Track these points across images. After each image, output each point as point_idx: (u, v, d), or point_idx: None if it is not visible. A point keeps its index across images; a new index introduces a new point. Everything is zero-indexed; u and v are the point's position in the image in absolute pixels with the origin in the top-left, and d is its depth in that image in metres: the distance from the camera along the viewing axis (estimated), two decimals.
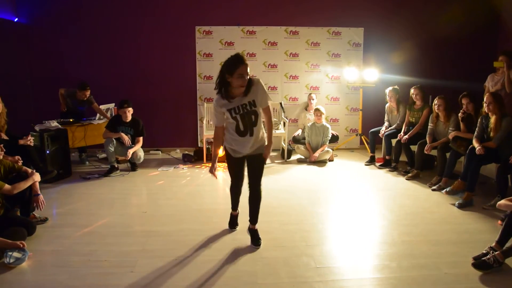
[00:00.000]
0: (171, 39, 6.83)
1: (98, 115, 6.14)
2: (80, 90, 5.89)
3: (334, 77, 7.15)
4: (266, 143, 3.15)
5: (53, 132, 5.20)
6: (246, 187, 3.29)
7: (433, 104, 5.07)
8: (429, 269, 2.84)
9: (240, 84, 2.81)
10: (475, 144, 4.28)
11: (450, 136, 4.74)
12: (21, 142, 4.55)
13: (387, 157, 5.91)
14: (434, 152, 5.07)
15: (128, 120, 5.58)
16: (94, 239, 3.37)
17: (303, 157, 6.34)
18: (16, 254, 2.87)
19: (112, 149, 5.45)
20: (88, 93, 5.95)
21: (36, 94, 6.70)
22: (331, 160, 6.31)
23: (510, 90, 4.68)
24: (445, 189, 4.61)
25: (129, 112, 5.55)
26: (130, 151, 5.46)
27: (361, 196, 4.62)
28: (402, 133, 5.57)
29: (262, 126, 3.11)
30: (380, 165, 5.93)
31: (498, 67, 4.91)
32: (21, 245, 2.93)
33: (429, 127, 5.17)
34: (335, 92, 7.21)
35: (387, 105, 6.09)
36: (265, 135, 3.17)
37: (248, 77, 2.83)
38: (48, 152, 5.03)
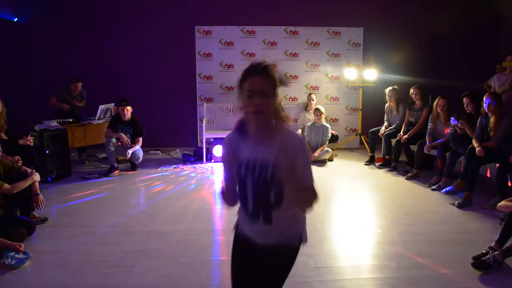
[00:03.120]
0: (171, 39, 6.83)
1: (97, 115, 6.14)
2: (72, 83, 6.01)
3: (334, 77, 7.15)
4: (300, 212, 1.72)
5: (53, 132, 5.20)
6: None
7: (435, 104, 5.06)
8: (429, 269, 2.84)
9: (249, 109, 1.54)
10: (475, 144, 4.28)
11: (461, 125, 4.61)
12: (21, 142, 4.54)
13: (386, 157, 5.91)
14: (433, 152, 5.07)
15: (126, 119, 5.59)
16: (94, 239, 3.37)
17: None
18: (17, 256, 2.86)
19: (113, 149, 5.45)
20: (79, 85, 6.07)
21: (36, 94, 6.69)
22: (330, 159, 6.31)
23: None
24: (444, 189, 4.61)
25: (128, 111, 5.56)
26: (130, 151, 5.47)
27: (360, 196, 4.62)
28: (401, 132, 5.57)
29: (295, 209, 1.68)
30: (379, 165, 5.93)
31: (506, 66, 4.93)
32: (21, 249, 2.91)
33: (428, 127, 5.17)
34: (334, 92, 7.21)
35: (386, 104, 6.09)
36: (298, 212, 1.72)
37: (266, 100, 1.52)
38: (47, 152, 5.03)
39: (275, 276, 1.69)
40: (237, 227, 1.79)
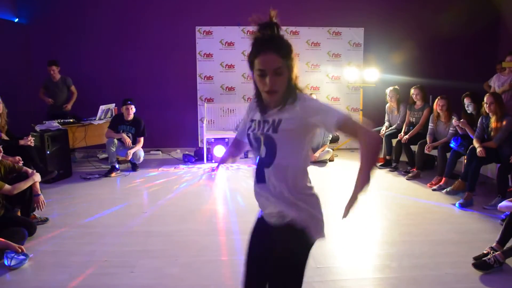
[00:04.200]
0: (171, 39, 6.83)
1: (98, 115, 6.14)
2: (48, 66, 5.93)
3: (335, 77, 7.15)
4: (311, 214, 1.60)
5: (54, 133, 5.20)
6: None
7: (435, 104, 5.06)
8: (430, 269, 2.84)
9: (262, 88, 1.49)
10: (476, 144, 4.28)
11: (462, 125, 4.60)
12: (22, 142, 4.55)
13: (387, 157, 5.90)
14: (434, 152, 5.06)
15: (129, 118, 5.60)
16: (94, 239, 3.37)
17: None
18: (17, 257, 2.86)
19: (114, 150, 5.45)
20: (54, 68, 5.96)
21: (37, 94, 6.69)
22: (331, 160, 6.31)
23: None
24: (445, 189, 4.61)
25: (131, 109, 5.58)
26: (130, 152, 5.48)
27: (361, 196, 4.60)
28: (402, 133, 5.56)
29: (297, 180, 1.58)
30: (380, 165, 5.92)
31: (506, 67, 4.93)
32: (20, 250, 2.91)
33: (429, 127, 5.17)
34: (335, 92, 7.21)
35: (387, 105, 6.08)
36: (307, 196, 1.62)
37: (280, 78, 1.46)
38: (48, 152, 5.03)
39: (280, 263, 1.54)
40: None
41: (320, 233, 1.59)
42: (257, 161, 1.60)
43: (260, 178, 1.58)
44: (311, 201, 1.61)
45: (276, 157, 1.52)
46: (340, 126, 1.43)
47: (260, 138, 1.54)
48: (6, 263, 2.81)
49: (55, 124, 5.38)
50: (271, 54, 1.44)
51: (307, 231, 1.54)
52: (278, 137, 1.50)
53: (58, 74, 6.04)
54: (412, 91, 5.61)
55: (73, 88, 6.21)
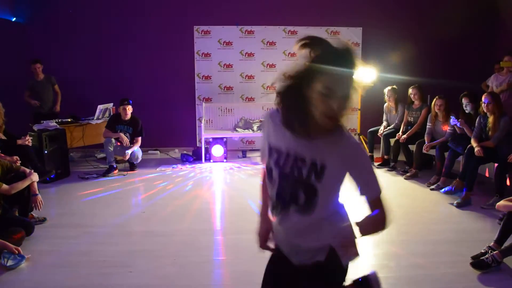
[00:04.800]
0: (170, 39, 6.82)
1: (96, 115, 6.12)
2: (32, 64, 5.82)
3: None
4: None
5: (51, 132, 5.18)
6: None
7: (433, 104, 5.07)
8: (428, 269, 2.85)
9: (322, 110, 1.23)
10: (474, 143, 4.29)
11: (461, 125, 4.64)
12: (19, 142, 4.53)
13: (385, 157, 5.91)
14: (432, 152, 5.07)
15: (127, 118, 5.59)
16: (93, 239, 3.36)
17: None
18: (13, 257, 2.85)
19: (111, 149, 5.44)
20: (37, 66, 5.86)
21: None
22: None
23: None
24: (443, 189, 4.62)
25: (129, 110, 5.56)
26: (128, 152, 5.46)
27: (359, 196, 4.61)
28: (400, 132, 5.57)
29: (334, 219, 1.48)
30: (378, 165, 5.93)
31: (504, 66, 4.95)
32: (16, 252, 2.89)
33: (427, 126, 5.18)
34: None
35: (385, 104, 6.09)
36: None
37: (346, 103, 1.24)
38: (46, 152, 5.02)
39: None
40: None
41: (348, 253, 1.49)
42: (274, 198, 1.38)
43: (285, 219, 1.38)
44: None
45: (315, 205, 1.32)
46: (374, 201, 1.37)
47: (294, 180, 1.30)
48: (3, 263, 2.80)
49: (53, 123, 5.37)
50: (347, 73, 1.18)
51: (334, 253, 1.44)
52: (322, 186, 1.29)
53: (41, 72, 5.96)
54: (410, 90, 5.62)
55: (56, 87, 6.13)
